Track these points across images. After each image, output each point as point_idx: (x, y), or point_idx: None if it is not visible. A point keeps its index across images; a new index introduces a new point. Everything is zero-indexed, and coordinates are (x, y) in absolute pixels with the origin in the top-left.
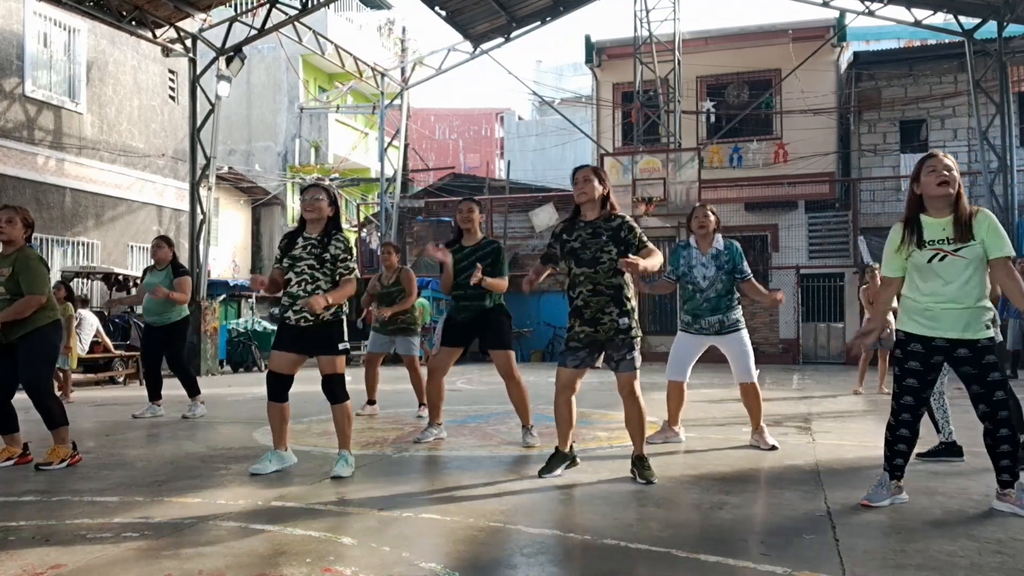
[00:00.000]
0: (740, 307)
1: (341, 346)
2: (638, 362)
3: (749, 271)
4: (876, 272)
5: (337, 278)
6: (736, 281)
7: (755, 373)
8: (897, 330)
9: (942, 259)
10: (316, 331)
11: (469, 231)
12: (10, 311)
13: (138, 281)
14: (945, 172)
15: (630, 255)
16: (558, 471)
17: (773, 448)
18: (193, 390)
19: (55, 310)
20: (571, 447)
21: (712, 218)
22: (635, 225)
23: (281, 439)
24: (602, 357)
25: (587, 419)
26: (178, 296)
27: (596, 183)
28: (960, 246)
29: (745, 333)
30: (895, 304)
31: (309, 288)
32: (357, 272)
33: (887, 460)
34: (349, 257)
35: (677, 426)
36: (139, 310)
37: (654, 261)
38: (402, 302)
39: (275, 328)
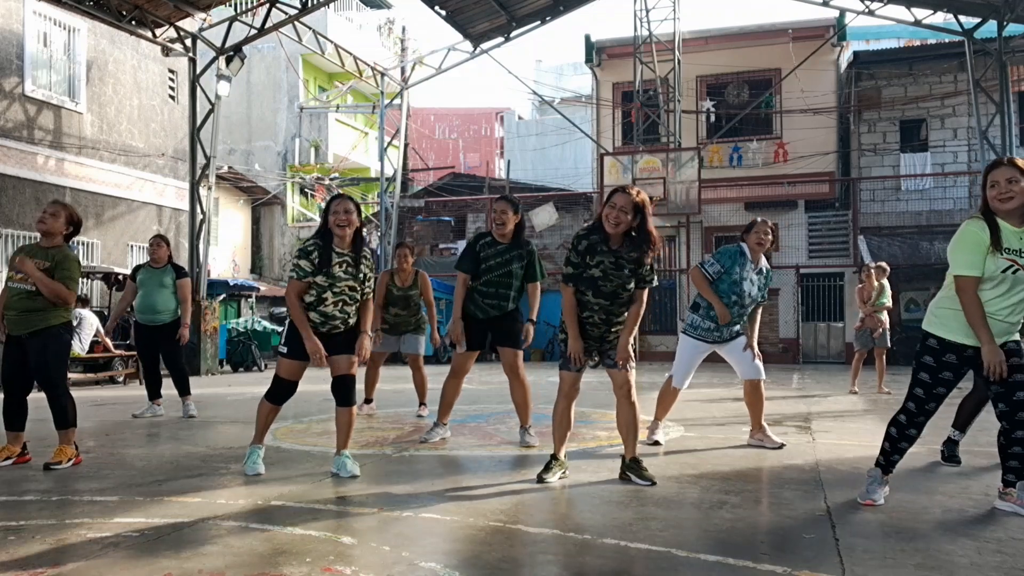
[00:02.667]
0: None
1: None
2: (633, 362)
3: (766, 296)
4: (872, 272)
5: (363, 294)
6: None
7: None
8: (930, 335)
9: (1016, 272)
10: (342, 336)
11: (503, 236)
12: (47, 284)
13: (128, 280)
14: (1008, 185)
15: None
16: (555, 477)
17: (781, 446)
18: (184, 389)
19: (69, 312)
20: (564, 455)
21: (771, 237)
22: (652, 263)
23: (263, 435)
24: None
25: (587, 419)
26: (188, 306)
27: (630, 217)
28: None
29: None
30: (889, 304)
31: (348, 309)
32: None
33: (885, 456)
34: (371, 274)
35: (662, 420)
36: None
37: (638, 318)
38: (428, 313)
39: (275, 328)
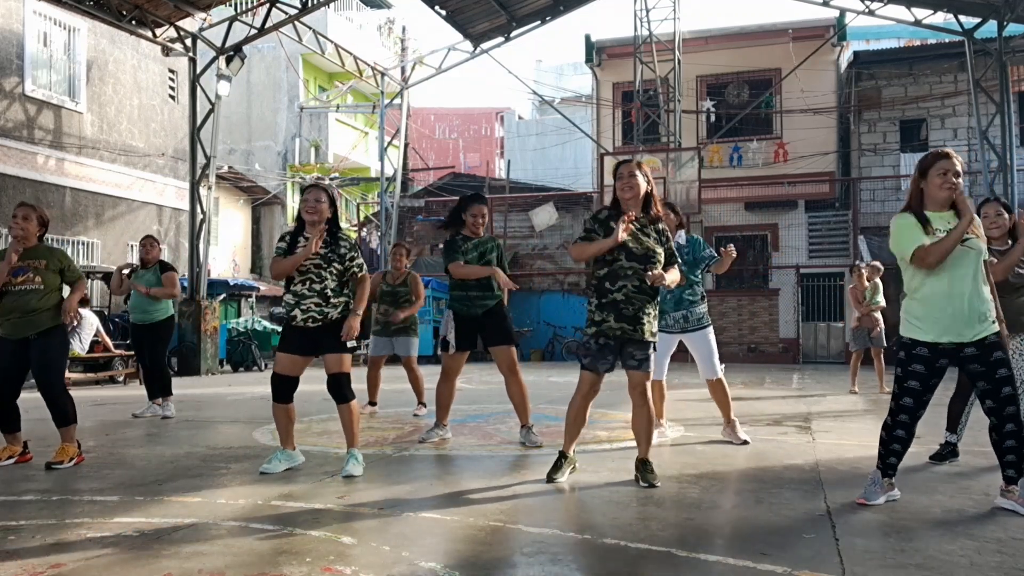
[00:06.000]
0: (705, 303)
1: (349, 344)
2: (652, 364)
3: (713, 254)
4: (862, 272)
5: (348, 277)
6: (704, 270)
7: (720, 369)
8: (903, 337)
9: None
10: (324, 330)
11: (476, 233)
12: (76, 293)
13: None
14: (954, 179)
15: (657, 268)
16: (565, 475)
17: (744, 443)
18: (167, 390)
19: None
20: (573, 452)
21: (671, 216)
22: (670, 235)
23: (288, 439)
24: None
25: (588, 419)
26: (164, 292)
27: (640, 178)
28: (968, 237)
29: (710, 331)
30: (883, 304)
31: (316, 287)
32: (366, 268)
33: (881, 459)
34: (357, 254)
35: (663, 419)
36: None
37: (675, 275)
38: (411, 307)
39: (275, 328)
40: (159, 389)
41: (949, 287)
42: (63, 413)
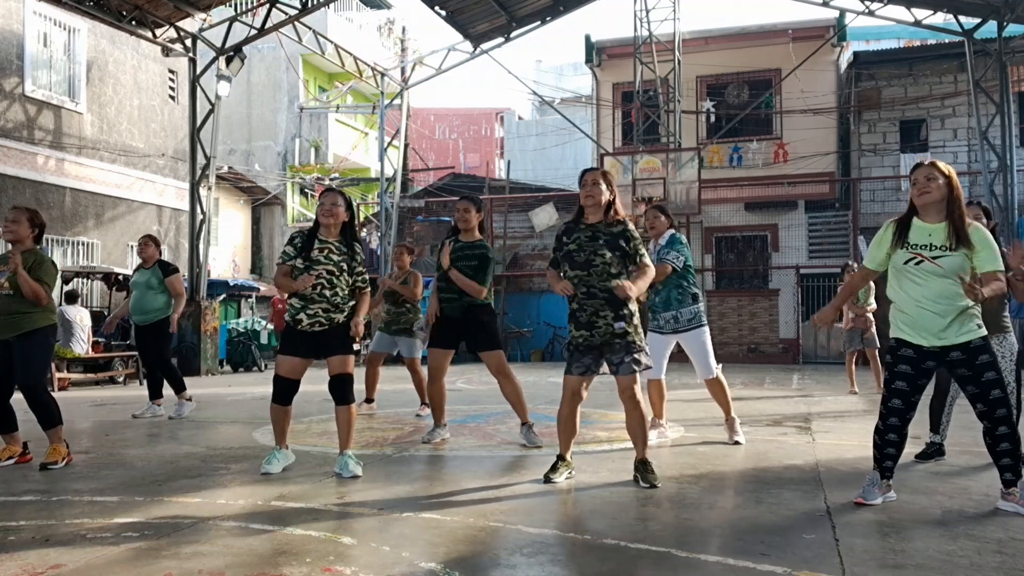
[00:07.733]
0: (698, 304)
1: (355, 347)
2: (640, 365)
3: (674, 258)
4: (854, 272)
5: (356, 286)
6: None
7: (716, 368)
8: (890, 337)
9: (918, 263)
10: (331, 333)
11: (466, 231)
12: (30, 283)
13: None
14: (926, 182)
15: (622, 277)
16: (563, 477)
17: (736, 443)
18: (179, 387)
19: (54, 313)
20: (570, 455)
21: (662, 219)
22: (636, 235)
23: (283, 439)
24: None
25: (587, 419)
26: (181, 300)
27: (604, 187)
28: (941, 255)
29: (704, 331)
30: (875, 305)
31: (327, 293)
32: (369, 285)
33: (876, 461)
34: (364, 269)
35: (663, 419)
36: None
37: (645, 281)
38: (403, 288)
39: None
40: (172, 387)
41: (915, 295)
42: (48, 414)
